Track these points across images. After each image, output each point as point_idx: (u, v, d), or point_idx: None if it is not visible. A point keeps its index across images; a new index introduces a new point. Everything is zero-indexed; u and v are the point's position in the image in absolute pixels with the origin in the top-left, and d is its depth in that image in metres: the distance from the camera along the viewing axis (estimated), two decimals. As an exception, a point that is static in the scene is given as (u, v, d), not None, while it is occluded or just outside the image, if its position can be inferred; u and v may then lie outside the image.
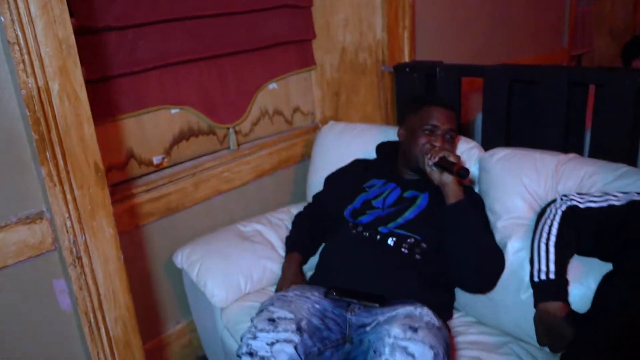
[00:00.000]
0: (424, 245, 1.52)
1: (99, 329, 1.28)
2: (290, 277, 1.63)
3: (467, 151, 1.76)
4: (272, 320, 1.29)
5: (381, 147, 1.85)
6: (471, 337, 1.52)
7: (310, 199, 2.13)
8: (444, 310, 1.53)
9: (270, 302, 1.38)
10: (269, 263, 1.77)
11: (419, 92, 2.10)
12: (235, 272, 1.70)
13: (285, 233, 1.93)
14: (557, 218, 1.36)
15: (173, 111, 1.85)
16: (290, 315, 1.31)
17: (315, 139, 2.19)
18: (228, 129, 2.04)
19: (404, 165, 1.69)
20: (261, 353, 1.24)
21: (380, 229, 1.55)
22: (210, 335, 1.82)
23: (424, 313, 1.30)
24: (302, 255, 1.72)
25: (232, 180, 2.04)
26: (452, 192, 1.47)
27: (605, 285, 1.27)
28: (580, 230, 1.33)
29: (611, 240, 1.29)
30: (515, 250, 1.50)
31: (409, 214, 1.57)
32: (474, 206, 1.53)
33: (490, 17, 2.86)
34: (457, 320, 1.62)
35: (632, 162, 1.67)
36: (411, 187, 1.64)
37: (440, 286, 1.53)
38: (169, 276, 1.92)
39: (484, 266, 1.46)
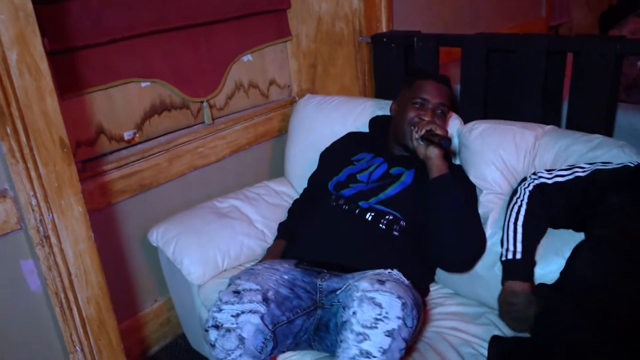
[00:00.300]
0: (402, 223, 1.50)
1: (70, 310, 1.25)
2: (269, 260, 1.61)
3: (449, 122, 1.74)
4: (237, 293, 1.29)
5: (374, 121, 1.82)
6: (449, 309, 1.53)
7: (288, 174, 2.11)
8: (420, 288, 1.51)
9: (238, 276, 1.38)
10: (246, 239, 1.75)
11: (397, 63, 2.07)
12: (212, 248, 1.68)
13: (263, 207, 1.91)
14: (525, 198, 1.37)
15: (143, 84, 1.79)
16: (256, 287, 1.31)
17: (292, 112, 2.14)
18: (202, 102, 1.98)
19: (394, 140, 1.66)
20: (227, 325, 1.24)
21: (361, 203, 1.54)
22: (188, 313, 1.80)
23: (394, 273, 1.30)
24: (290, 243, 1.68)
25: (208, 156, 2.00)
26: (436, 166, 1.45)
27: (573, 253, 1.28)
28: (551, 205, 1.35)
29: (579, 210, 1.30)
30: (493, 224, 1.50)
31: (391, 190, 1.54)
32: (458, 182, 1.51)
33: (469, -14, 2.82)
34: (436, 292, 1.62)
35: (608, 131, 1.67)
36: (399, 164, 1.61)
37: (417, 264, 1.50)
38: (145, 254, 1.89)
39: (463, 242, 1.43)
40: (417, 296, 1.28)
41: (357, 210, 1.52)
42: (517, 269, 1.32)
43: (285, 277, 1.40)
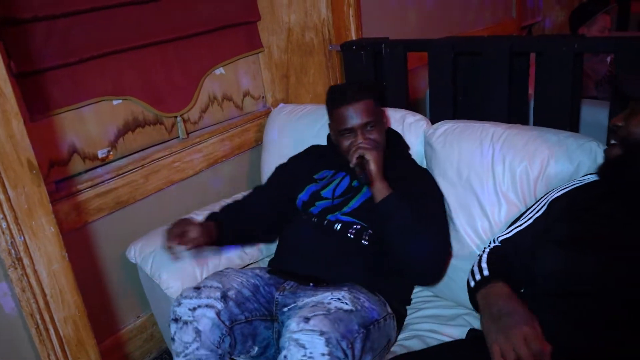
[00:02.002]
0: (370, 231, 1.50)
1: (47, 331, 1.25)
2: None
3: (415, 123, 1.76)
4: (197, 288, 1.36)
5: (330, 138, 1.81)
6: (427, 312, 1.55)
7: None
8: (398, 294, 1.53)
9: (206, 277, 1.46)
10: (224, 250, 1.76)
11: (367, 69, 2.10)
12: (189, 261, 1.68)
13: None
14: (484, 255, 1.28)
15: (115, 102, 1.80)
16: (217, 284, 1.37)
17: (266, 123, 2.16)
18: (175, 117, 1.99)
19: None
20: (184, 318, 1.31)
21: (328, 217, 1.55)
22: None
23: (340, 296, 1.29)
24: (217, 228, 1.56)
25: (184, 170, 2.00)
26: (378, 190, 1.44)
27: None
28: (520, 255, 1.26)
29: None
30: (462, 223, 1.53)
31: (354, 202, 1.55)
32: (406, 198, 1.44)
33: (438, -9, 2.86)
34: (415, 295, 1.64)
35: (574, 127, 1.71)
36: None
37: (391, 272, 1.49)
38: (126, 271, 1.89)
39: (423, 256, 1.40)
40: (366, 321, 1.26)
41: (325, 222, 1.54)
42: (488, 279, 1.18)
43: (252, 281, 1.45)
